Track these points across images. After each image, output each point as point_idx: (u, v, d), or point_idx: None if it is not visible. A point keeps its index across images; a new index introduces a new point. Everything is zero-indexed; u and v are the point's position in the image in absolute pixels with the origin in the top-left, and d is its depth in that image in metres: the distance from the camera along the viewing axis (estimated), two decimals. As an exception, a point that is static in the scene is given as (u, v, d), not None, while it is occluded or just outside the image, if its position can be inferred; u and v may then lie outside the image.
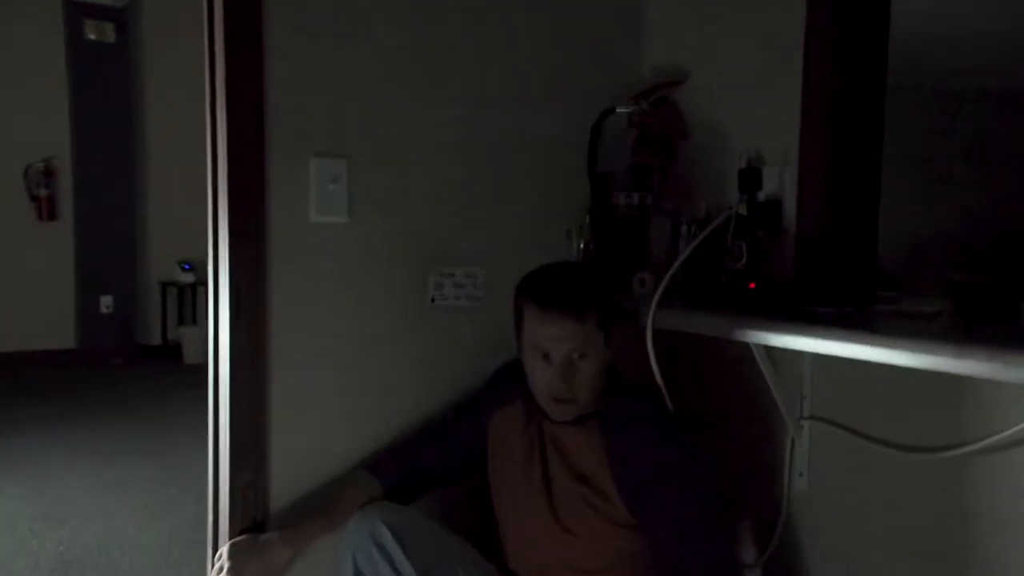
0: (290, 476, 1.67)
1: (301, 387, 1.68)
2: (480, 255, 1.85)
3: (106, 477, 3.56)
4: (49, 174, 5.91)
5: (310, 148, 1.65)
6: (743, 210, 1.72)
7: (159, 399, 5.02)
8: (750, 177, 1.73)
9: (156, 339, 6.42)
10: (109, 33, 6.00)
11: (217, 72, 1.59)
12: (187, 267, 6.23)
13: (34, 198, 5.90)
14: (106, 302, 6.25)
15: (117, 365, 6.08)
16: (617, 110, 1.89)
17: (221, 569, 1.56)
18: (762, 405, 1.75)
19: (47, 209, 5.94)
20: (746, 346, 1.71)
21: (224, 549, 1.58)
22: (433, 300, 1.81)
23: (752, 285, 1.66)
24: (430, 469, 1.71)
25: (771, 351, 1.69)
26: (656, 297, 1.65)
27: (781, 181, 1.72)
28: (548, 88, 1.89)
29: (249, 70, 1.57)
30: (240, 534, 1.62)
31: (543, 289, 1.55)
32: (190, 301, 6.38)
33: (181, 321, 6.40)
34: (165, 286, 6.35)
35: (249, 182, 1.59)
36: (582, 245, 1.87)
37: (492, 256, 1.85)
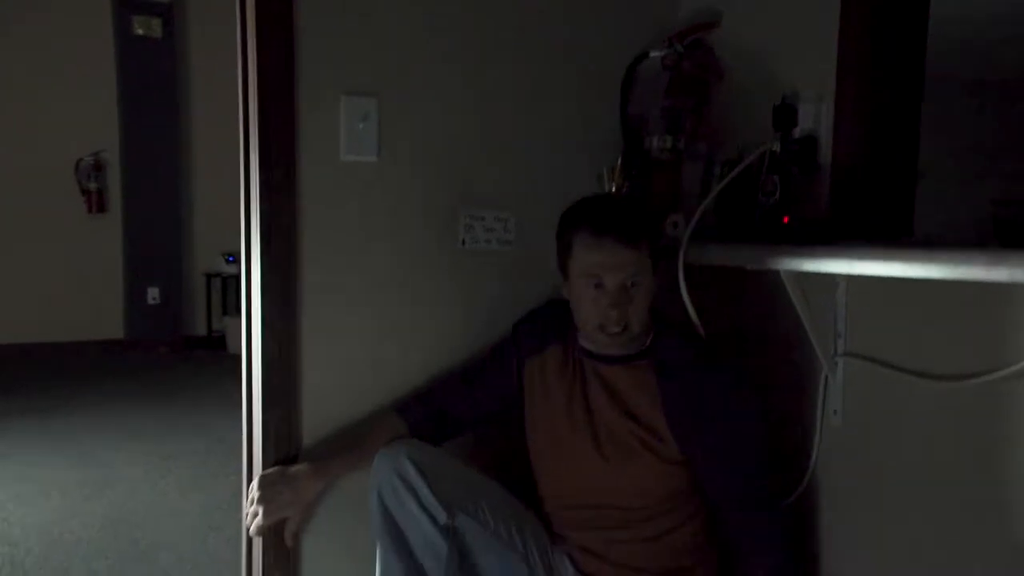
0: (321, 412, 1.69)
1: (331, 326, 1.69)
2: (511, 199, 1.84)
3: (151, 452, 3.63)
4: (98, 168, 6.04)
5: (341, 86, 1.66)
6: (777, 147, 1.69)
7: (203, 384, 5.11)
8: (785, 114, 1.70)
9: (202, 329, 6.52)
10: (156, 28, 6.12)
11: (248, 10, 1.61)
12: (231, 259, 6.32)
13: (84, 191, 6.03)
14: (153, 293, 6.35)
15: (164, 354, 6.19)
16: (651, 54, 1.88)
17: (253, 501, 1.58)
18: (796, 344, 1.72)
19: (97, 202, 6.07)
20: (780, 285, 1.69)
21: (255, 480, 1.60)
22: (463, 243, 1.81)
23: (786, 220, 1.63)
24: (457, 414, 1.71)
25: (805, 288, 1.66)
26: (688, 230, 1.64)
27: (816, 118, 1.69)
28: (582, 31, 1.88)
29: (279, 7, 1.58)
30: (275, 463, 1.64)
31: (597, 216, 1.54)
32: (234, 292, 6.47)
33: (225, 311, 6.49)
34: (210, 277, 6.46)
35: (279, 119, 1.61)
36: (613, 189, 1.85)
37: (523, 200, 1.85)
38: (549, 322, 1.70)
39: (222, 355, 6.19)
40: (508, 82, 1.82)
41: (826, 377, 1.66)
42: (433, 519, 1.50)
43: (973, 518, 1.43)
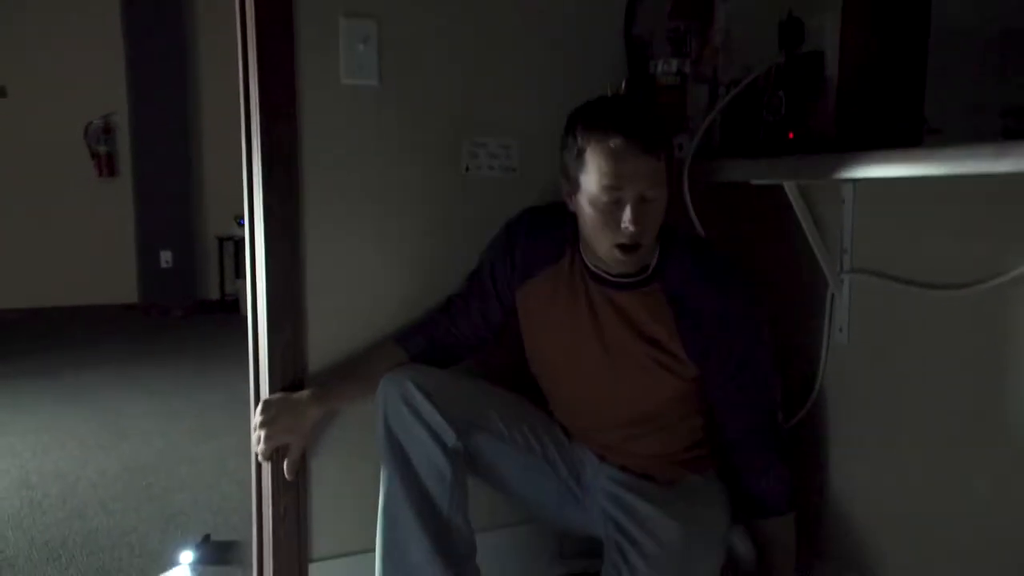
0: (327, 338, 1.69)
1: (335, 251, 1.69)
2: (515, 126, 1.82)
3: (165, 406, 3.66)
4: (108, 131, 6.05)
5: (340, 8, 1.64)
6: (783, 61, 1.66)
7: (216, 345, 5.15)
8: (791, 29, 1.66)
9: (215, 293, 6.55)
10: (162, -12, 6.10)
11: (244, -69, 1.59)
12: (242, 222, 6.32)
13: (94, 155, 6.04)
14: (166, 257, 6.38)
15: (177, 317, 6.23)
16: (653, -24, 1.85)
17: (256, 426, 1.60)
18: (802, 263, 1.71)
19: (107, 165, 6.09)
20: (786, 204, 1.67)
21: (259, 406, 1.61)
22: (467, 169, 1.80)
23: (791, 135, 1.61)
24: (456, 341, 1.69)
25: (811, 205, 1.65)
26: (693, 144, 1.62)
27: (822, 34, 1.66)
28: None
29: (276, -74, 1.57)
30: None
31: (616, 121, 1.40)
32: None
33: (238, 275, 6.52)
34: (222, 241, 6.47)
35: (278, 41, 1.59)
36: (618, 113, 1.83)
37: (526, 127, 1.83)
38: (549, 237, 1.61)
39: (235, 318, 6.21)
40: (510, 5, 1.80)
41: (832, 295, 1.65)
42: (440, 442, 1.50)
43: (977, 428, 1.43)
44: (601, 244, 1.48)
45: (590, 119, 1.45)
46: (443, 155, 1.77)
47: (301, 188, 1.65)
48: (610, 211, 1.42)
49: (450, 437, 1.50)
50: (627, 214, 1.41)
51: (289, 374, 1.65)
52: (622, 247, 1.45)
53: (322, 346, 1.69)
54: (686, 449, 1.62)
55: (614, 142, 1.39)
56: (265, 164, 1.62)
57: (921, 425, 1.52)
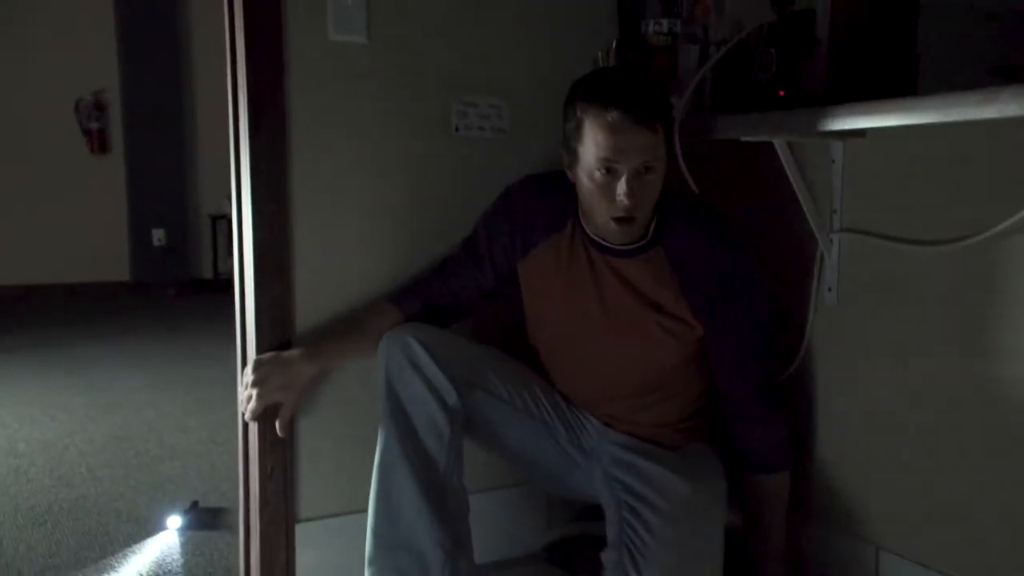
0: (314, 294, 1.67)
1: (323, 208, 1.67)
2: (505, 86, 1.81)
3: (156, 379, 3.66)
4: (100, 107, 6.01)
5: (326, -38, 1.62)
6: (774, 18, 1.65)
7: (209, 322, 5.13)
8: (782, -14, 1.65)
9: (208, 272, 6.54)
10: (153, -38, 6.05)
11: None
12: (236, 197, 6.30)
13: (86, 131, 6.01)
14: (158, 235, 6.36)
15: (170, 296, 6.21)
16: (645, -65, 1.83)
17: (247, 384, 1.58)
18: (791, 223, 1.70)
19: (99, 142, 6.06)
20: (776, 165, 1.66)
21: (249, 365, 1.60)
22: (457, 129, 1.78)
23: (782, 93, 1.59)
24: (447, 303, 1.68)
25: (801, 165, 1.64)
26: (684, 102, 1.61)
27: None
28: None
29: None
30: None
31: (614, 94, 1.40)
32: (240, 233, 6.46)
33: (231, 253, 6.49)
34: (215, 219, 6.45)
35: (265, -5, 1.57)
36: (609, 75, 1.82)
37: (517, 87, 1.81)
38: (550, 205, 1.61)
39: (229, 297, 6.15)
40: (500, -37, 1.78)
41: (822, 254, 1.65)
42: (440, 400, 1.49)
43: (966, 385, 1.42)
44: (598, 216, 1.49)
45: (590, 91, 1.44)
46: (433, 115, 1.76)
47: (288, 146, 1.63)
48: (606, 183, 1.43)
49: (451, 396, 1.49)
50: (622, 186, 1.41)
51: (277, 333, 1.64)
52: (618, 219, 1.46)
53: (309, 305, 1.67)
54: (688, 418, 1.64)
55: (611, 115, 1.39)
56: (252, 121, 1.60)
57: (910, 385, 1.51)
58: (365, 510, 1.71)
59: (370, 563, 1.50)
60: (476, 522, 1.56)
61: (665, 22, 1.82)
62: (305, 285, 1.67)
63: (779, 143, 1.65)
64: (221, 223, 6.45)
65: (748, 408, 1.58)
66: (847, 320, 1.62)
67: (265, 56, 1.59)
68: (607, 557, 1.48)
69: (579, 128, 1.44)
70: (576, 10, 1.85)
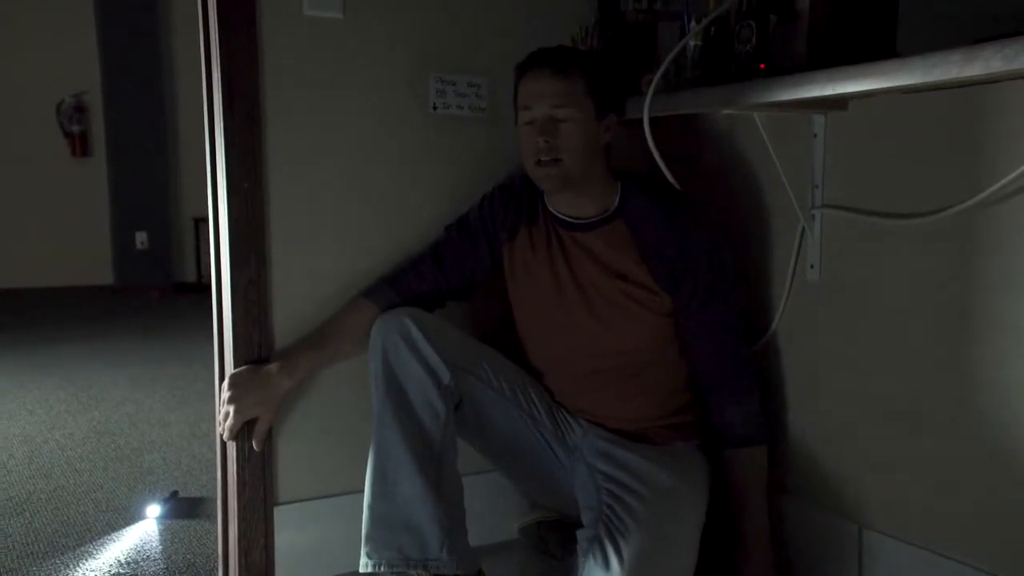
0: (291, 272, 1.66)
1: (299, 185, 1.66)
2: (483, 64, 1.80)
3: (138, 377, 3.62)
4: (81, 110, 5.97)
5: (301, -64, 1.61)
6: (753, -6, 1.64)
7: (192, 324, 5.08)
8: (761, -40, 1.65)
9: (191, 276, 6.48)
10: (134, -36, 6.01)
11: None
12: (220, 202, 6.27)
13: (67, 134, 5.96)
14: (141, 238, 6.31)
15: (154, 299, 6.15)
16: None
17: (224, 402, 1.59)
18: (773, 199, 1.70)
19: (80, 145, 6.01)
20: (758, 140, 1.66)
21: (225, 382, 1.60)
22: (435, 108, 1.77)
23: (762, 66, 1.58)
24: (427, 292, 1.68)
25: (783, 140, 1.63)
26: (656, 76, 1.60)
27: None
28: None
29: None
30: (245, 333, 1.61)
31: (534, 54, 1.57)
32: (224, 235, 6.43)
33: (215, 256, 6.45)
34: (198, 222, 6.40)
35: (239, -31, 1.56)
36: (588, 52, 1.81)
37: (495, 65, 1.80)
38: (519, 199, 1.67)
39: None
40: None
41: (803, 230, 1.64)
42: (435, 380, 1.49)
43: (942, 358, 1.41)
44: (528, 167, 1.58)
45: (523, 59, 1.58)
46: (410, 91, 1.74)
47: (262, 122, 1.61)
48: (528, 132, 1.55)
49: (445, 375, 1.50)
50: (536, 130, 1.53)
51: (253, 313, 1.62)
52: (539, 163, 1.54)
53: (287, 285, 1.66)
54: (673, 413, 1.64)
55: (529, 68, 1.55)
56: (226, 99, 1.58)
57: (892, 360, 1.50)
58: (343, 493, 1.71)
59: (367, 539, 1.48)
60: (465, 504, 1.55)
61: None
62: (282, 264, 1.65)
63: (760, 117, 1.65)
64: (204, 226, 6.39)
65: (720, 383, 1.60)
66: (829, 296, 1.61)
67: (238, 32, 1.57)
68: (583, 535, 1.46)
69: (515, 92, 1.59)
70: (556, -13, 1.84)
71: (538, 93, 1.52)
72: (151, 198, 6.31)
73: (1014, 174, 1.26)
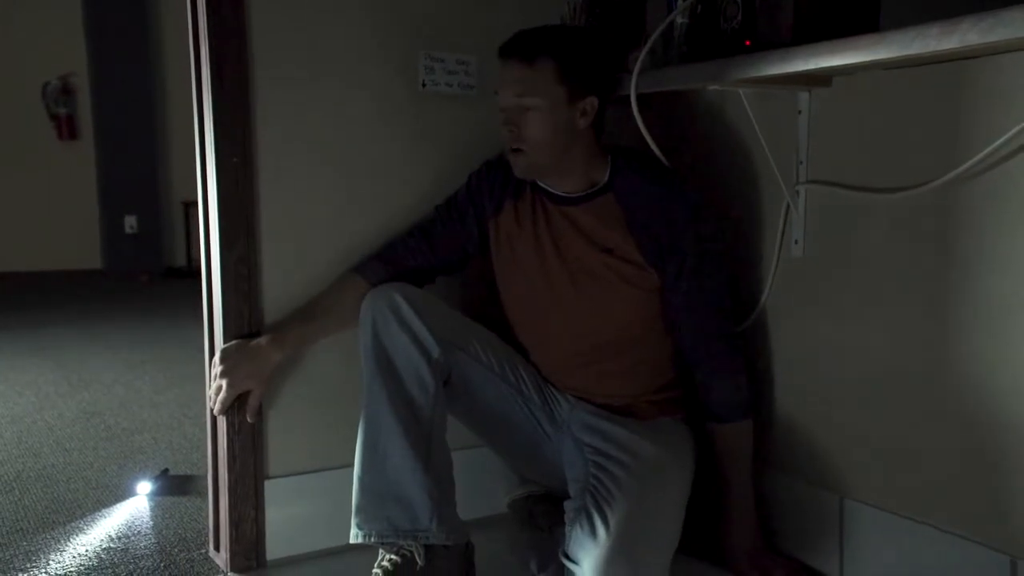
0: (281, 249, 1.66)
1: (287, 161, 1.66)
2: (472, 41, 1.80)
3: (128, 359, 3.62)
4: (67, 91, 5.93)
5: (289, -88, 1.61)
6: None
7: (182, 307, 5.06)
8: (748, -64, 1.66)
9: (181, 260, 6.47)
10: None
11: None
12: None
13: (53, 116, 5.92)
14: (130, 222, 6.29)
15: (143, 283, 6.14)
16: None
17: (215, 376, 1.60)
18: (757, 175, 1.71)
19: (67, 128, 5.98)
20: (744, 116, 1.67)
21: (216, 356, 1.60)
22: (424, 85, 1.77)
23: (748, 43, 1.60)
24: (417, 267, 1.69)
25: (769, 117, 1.64)
26: (642, 54, 1.61)
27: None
28: None
29: None
30: (235, 307, 1.62)
31: (509, 39, 1.56)
32: (213, 219, 6.41)
33: (205, 240, 6.43)
34: (188, 206, 6.38)
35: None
36: (576, 30, 1.81)
37: (484, 43, 1.79)
38: (505, 174, 1.67)
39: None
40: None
41: (788, 206, 1.65)
42: (425, 353, 1.50)
43: (931, 331, 1.43)
44: (506, 153, 1.60)
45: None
46: (399, 68, 1.75)
47: (251, 96, 1.61)
48: (502, 119, 1.56)
49: (435, 349, 1.51)
50: (502, 119, 1.54)
51: (243, 290, 1.63)
52: (510, 150, 1.56)
53: (276, 260, 1.66)
54: (660, 389, 1.65)
55: (500, 54, 1.55)
56: (214, 71, 1.58)
57: (875, 334, 1.52)
58: (333, 467, 1.72)
59: (357, 511, 1.50)
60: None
61: (633, -24, 1.82)
62: (272, 240, 1.66)
63: (746, 94, 1.66)
64: (194, 210, 6.35)
65: (706, 358, 1.60)
66: (814, 271, 1.63)
67: (225, 6, 1.57)
68: (570, 505, 1.48)
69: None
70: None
71: (504, 82, 1.54)
72: (140, 181, 6.29)
73: (988, 149, 1.29)
